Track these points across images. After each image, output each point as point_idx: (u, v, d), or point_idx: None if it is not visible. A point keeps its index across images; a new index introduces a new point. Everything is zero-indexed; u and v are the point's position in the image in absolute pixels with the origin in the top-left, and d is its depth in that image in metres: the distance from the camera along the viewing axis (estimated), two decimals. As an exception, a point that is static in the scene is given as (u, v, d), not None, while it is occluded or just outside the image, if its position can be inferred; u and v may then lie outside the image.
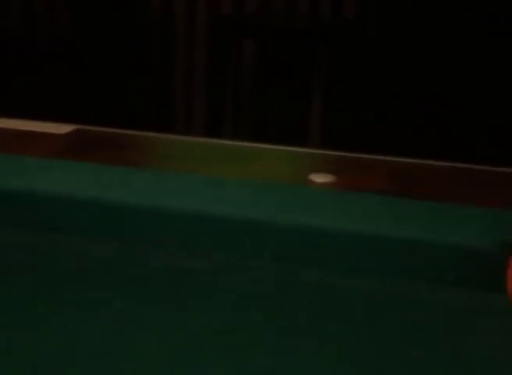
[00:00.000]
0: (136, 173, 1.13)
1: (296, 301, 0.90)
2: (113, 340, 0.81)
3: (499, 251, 0.91)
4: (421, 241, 0.94)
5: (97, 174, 1.11)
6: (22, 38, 3.45)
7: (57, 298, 0.89)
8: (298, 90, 3.28)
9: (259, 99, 3.47)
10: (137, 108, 3.53)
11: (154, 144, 1.35)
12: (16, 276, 0.93)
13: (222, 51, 3.28)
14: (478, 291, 0.92)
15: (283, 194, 1.06)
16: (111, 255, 0.99)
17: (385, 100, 3.18)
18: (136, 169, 1.15)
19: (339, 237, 0.97)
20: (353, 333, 0.83)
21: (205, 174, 1.16)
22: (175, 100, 3.56)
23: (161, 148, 1.33)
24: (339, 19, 3.33)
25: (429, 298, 0.91)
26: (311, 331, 0.84)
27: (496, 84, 3.03)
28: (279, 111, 3.34)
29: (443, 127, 3.08)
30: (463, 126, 3.05)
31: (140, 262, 0.98)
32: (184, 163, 1.25)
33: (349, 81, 3.33)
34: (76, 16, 3.41)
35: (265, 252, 0.99)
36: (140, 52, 3.49)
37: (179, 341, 0.81)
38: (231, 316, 0.87)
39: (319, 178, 1.14)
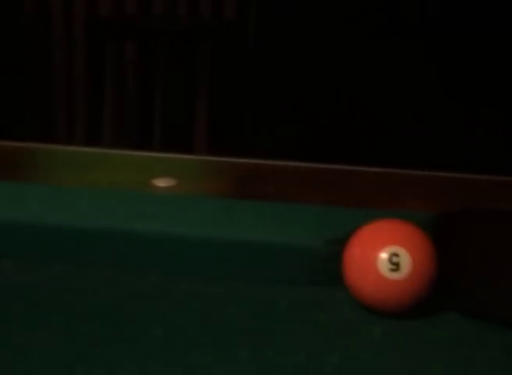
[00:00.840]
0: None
1: (132, 310, 0.88)
2: None
3: (330, 247, 0.91)
4: (254, 242, 0.94)
5: None
6: None
7: None
8: (182, 93, 3.26)
9: (141, 103, 3.43)
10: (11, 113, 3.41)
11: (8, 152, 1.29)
12: None
13: (101, 54, 3.22)
14: (313, 288, 0.92)
15: (122, 200, 1.03)
16: None
17: (267, 101, 3.19)
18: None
19: (177, 242, 0.95)
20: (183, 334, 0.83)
21: (46, 182, 1.12)
22: (52, 106, 3.47)
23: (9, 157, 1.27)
24: (220, 20, 3.33)
25: (266, 297, 0.91)
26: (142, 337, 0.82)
27: (342, 85, 3.07)
28: (162, 115, 3.30)
29: (300, 127, 3.10)
30: (316, 126, 3.08)
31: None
32: (27, 171, 1.20)
33: (232, 83, 3.32)
34: None
35: (105, 261, 0.96)
36: (13, 55, 3.39)
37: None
38: (65, 331, 0.83)
39: (162, 182, 1.12)
